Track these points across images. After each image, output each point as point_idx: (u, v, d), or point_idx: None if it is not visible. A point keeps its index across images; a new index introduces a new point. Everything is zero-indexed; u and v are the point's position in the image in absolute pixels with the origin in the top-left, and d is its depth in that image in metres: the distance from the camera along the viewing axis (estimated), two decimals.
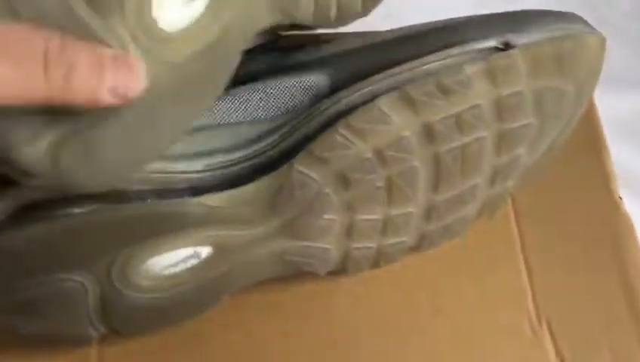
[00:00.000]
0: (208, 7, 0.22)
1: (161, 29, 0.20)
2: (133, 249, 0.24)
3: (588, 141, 0.32)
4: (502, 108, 0.25)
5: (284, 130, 0.25)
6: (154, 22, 0.20)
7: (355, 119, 0.24)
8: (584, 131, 0.31)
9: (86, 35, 0.18)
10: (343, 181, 0.25)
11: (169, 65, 0.21)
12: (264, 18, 0.25)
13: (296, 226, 0.26)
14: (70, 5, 0.18)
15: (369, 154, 0.24)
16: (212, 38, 0.22)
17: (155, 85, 0.20)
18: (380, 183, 0.25)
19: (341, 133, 0.24)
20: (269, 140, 0.26)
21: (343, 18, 0.27)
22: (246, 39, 0.25)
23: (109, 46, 0.19)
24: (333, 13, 0.27)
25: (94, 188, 0.22)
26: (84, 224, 0.23)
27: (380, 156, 0.24)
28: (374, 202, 0.26)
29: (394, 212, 0.26)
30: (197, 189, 0.25)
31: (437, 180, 0.26)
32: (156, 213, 0.24)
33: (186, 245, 0.25)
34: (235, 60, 0.24)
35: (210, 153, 0.25)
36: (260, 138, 0.25)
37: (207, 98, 0.24)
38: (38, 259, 0.24)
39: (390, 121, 0.24)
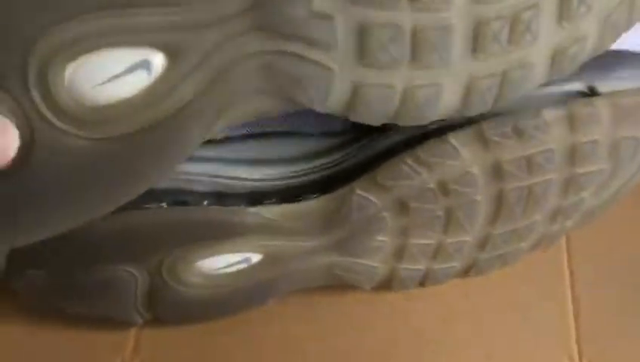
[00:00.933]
0: (160, 79, 0.19)
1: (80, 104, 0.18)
2: (187, 249, 0.24)
3: None
4: (575, 154, 0.24)
5: (350, 149, 0.25)
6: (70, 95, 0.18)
7: (424, 152, 0.23)
8: None
9: None
10: (402, 207, 0.24)
11: (94, 141, 0.19)
12: (251, 101, 0.20)
13: (349, 244, 0.26)
14: None
15: (432, 185, 0.24)
16: (162, 114, 0.19)
17: (76, 160, 0.19)
18: (440, 213, 0.25)
19: (408, 163, 0.23)
20: (334, 157, 0.25)
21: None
22: (218, 122, 0.20)
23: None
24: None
25: None
26: (148, 221, 0.24)
27: (444, 188, 0.24)
28: (430, 229, 0.25)
29: (449, 240, 0.26)
30: (255, 197, 0.25)
31: (497, 215, 0.25)
32: (214, 219, 0.24)
33: (238, 251, 0.25)
34: (192, 143, 0.20)
35: (272, 162, 0.25)
36: (324, 153, 0.25)
37: (141, 180, 0.21)
38: (101, 248, 0.24)
39: (460, 157, 0.23)
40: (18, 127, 0.18)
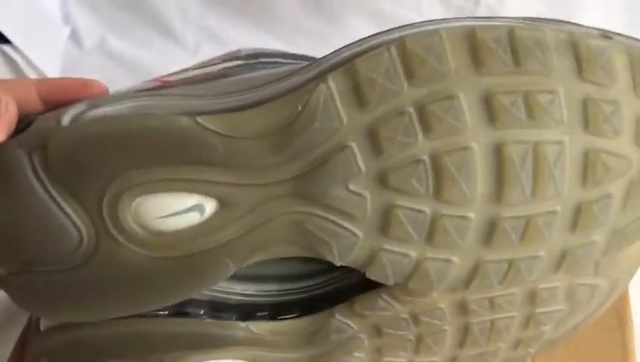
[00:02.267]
0: (210, 220, 0.23)
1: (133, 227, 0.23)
2: (182, 354, 0.27)
3: (613, 316, 0.33)
4: (535, 298, 0.26)
5: (334, 274, 0.28)
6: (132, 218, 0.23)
7: (400, 290, 0.26)
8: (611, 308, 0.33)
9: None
10: (377, 331, 0.27)
11: (148, 258, 0.23)
12: (280, 247, 0.24)
13: (328, 358, 0.28)
14: None
15: (405, 316, 0.27)
16: (207, 246, 0.23)
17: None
18: (411, 337, 0.28)
19: (384, 297, 0.26)
20: (318, 280, 0.28)
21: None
22: (250, 259, 0.24)
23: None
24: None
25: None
26: (150, 329, 0.26)
27: (415, 319, 0.27)
28: (402, 350, 0.28)
29: (419, 359, 0.29)
30: (246, 310, 0.28)
31: (463, 341, 0.28)
32: (209, 332, 0.27)
33: (227, 357, 0.28)
34: (226, 272, 0.24)
35: (263, 279, 0.28)
36: (310, 276, 0.28)
37: (179, 293, 0.25)
38: (106, 346, 0.27)
39: (430, 296, 0.26)
40: (87, 235, 0.23)
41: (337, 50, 0.23)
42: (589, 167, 0.21)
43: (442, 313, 0.27)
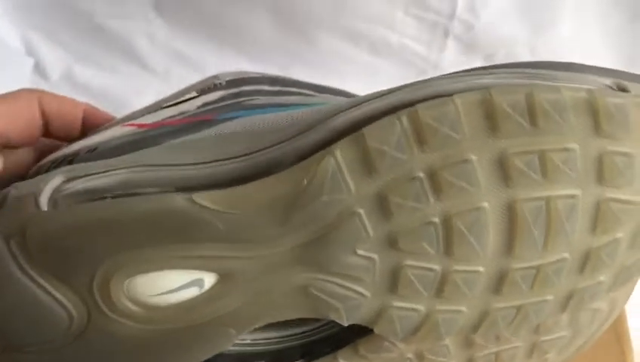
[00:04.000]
0: (209, 292, 0.22)
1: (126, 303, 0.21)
2: None
3: (610, 333, 0.33)
4: (540, 327, 0.26)
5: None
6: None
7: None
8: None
9: None
10: None
11: (141, 330, 0.22)
12: (285, 313, 0.23)
13: None
14: None
15: (410, 355, 0.26)
16: (206, 318, 0.22)
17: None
18: None
19: (389, 340, 0.25)
20: (319, 324, 0.27)
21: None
22: (254, 325, 0.23)
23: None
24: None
25: None
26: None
27: (420, 356, 0.26)
28: None
29: None
30: (245, 359, 0.27)
31: None
32: None
33: None
34: (228, 341, 0.23)
35: (262, 327, 0.27)
36: (311, 320, 0.27)
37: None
38: None
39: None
40: (77, 314, 0.21)
41: (339, 106, 0.22)
42: (599, 217, 0.21)
43: (447, 349, 0.26)
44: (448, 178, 0.19)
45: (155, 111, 0.27)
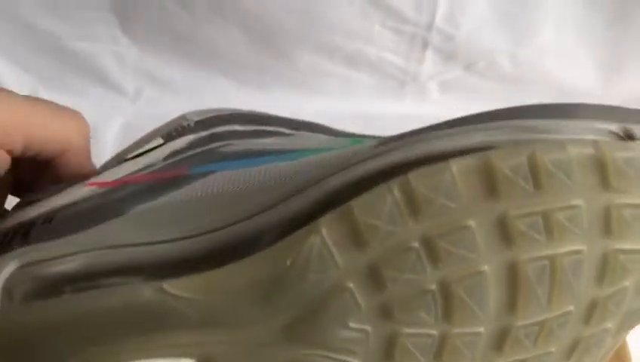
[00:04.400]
0: None
1: None
2: None
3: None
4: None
5: None
6: None
7: None
8: None
9: None
10: None
11: None
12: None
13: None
14: None
15: None
16: None
17: None
18: None
19: None
20: None
21: None
22: None
23: None
24: None
25: None
26: None
27: None
28: None
29: None
30: None
31: None
32: None
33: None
34: None
35: None
36: None
37: None
38: None
39: None
40: None
41: (328, 164, 0.20)
42: (607, 269, 0.19)
43: None
44: (446, 246, 0.18)
45: (119, 164, 0.24)
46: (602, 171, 0.18)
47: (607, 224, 0.19)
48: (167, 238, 0.19)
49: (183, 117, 0.26)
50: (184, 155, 0.24)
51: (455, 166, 0.18)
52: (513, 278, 0.19)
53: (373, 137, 0.25)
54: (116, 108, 0.55)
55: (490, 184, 0.18)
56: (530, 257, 0.19)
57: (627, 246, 0.19)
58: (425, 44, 0.49)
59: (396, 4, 0.46)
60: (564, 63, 0.50)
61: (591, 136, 0.19)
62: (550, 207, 0.18)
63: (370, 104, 0.56)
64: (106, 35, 0.51)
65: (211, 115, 0.26)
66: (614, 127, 0.19)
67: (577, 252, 0.19)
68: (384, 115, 0.56)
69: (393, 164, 0.18)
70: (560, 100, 0.59)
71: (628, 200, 0.19)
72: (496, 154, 0.18)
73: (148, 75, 0.54)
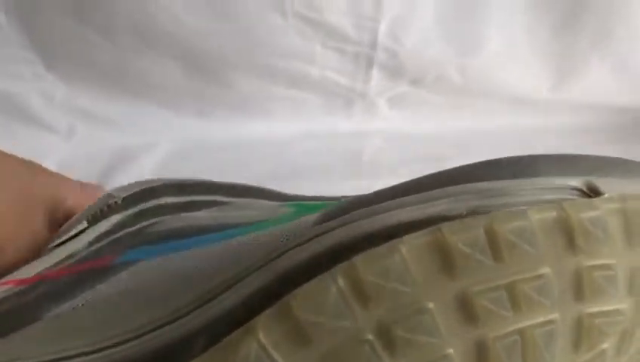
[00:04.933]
0: None
1: None
2: None
3: None
4: None
5: None
6: None
7: None
8: None
9: None
10: None
11: None
12: None
13: None
14: None
15: None
16: None
17: None
18: None
19: None
20: None
21: None
22: None
23: None
24: None
25: None
26: None
27: None
28: None
29: None
30: None
31: None
32: None
33: None
34: None
35: None
36: None
37: None
38: None
39: None
40: None
41: (250, 261, 0.17)
42: (583, 335, 0.18)
43: None
44: (402, 334, 0.16)
45: (35, 262, 0.22)
46: (568, 235, 0.16)
47: (579, 289, 0.17)
48: (84, 350, 0.17)
49: (109, 194, 0.24)
50: (109, 239, 0.21)
51: (405, 247, 0.15)
52: (482, 356, 0.17)
53: (320, 201, 0.23)
54: (49, 149, 0.51)
55: (446, 261, 0.16)
56: (499, 334, 0.16)
57: (602, 308, 0.18)
58: (370, 62, 0.47)
59: (336, 24, 0.44)
60: (514, 72, 0.48)
61: (552, 196, 0.17)
62: (514, 279, 0.16)
63: (319, 123, 0.54)
64: (29, 73, 0.48)
65: (140, 188, 0.24)
66: (577, 182, 0.18)
67: (549, 322, 0.17)
68: (333, 132, 0.55)
69: (337, 247, 0.16)
70: (512, 109, 0.58)
71: (598, 262, 0.17)
72: (449, 228, 0.16)
73: (80, 111, 0.51)
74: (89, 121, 0.51)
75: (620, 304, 0.18)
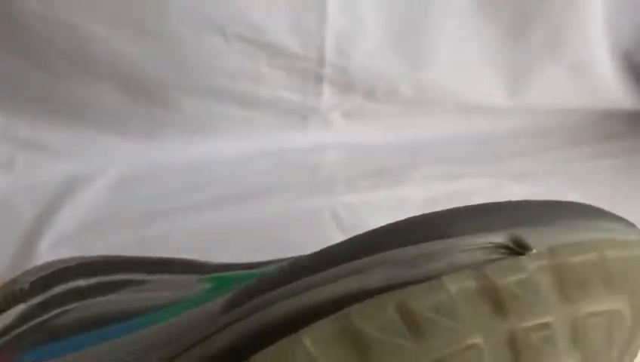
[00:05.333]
0: None
1: None
2: None
3: None
4: None
5: None
6: None
7: None
8: None
9: None
10: None
11: None
12: None
13: None
14: None
15: None
16: None
17: None
18: None
19: None
20: None
21: None
22: None
23: None
24: None
25: None
26: None
27: None
28: None
29: None
30: None
31: None
32: None
33: None
34: None
35: None
36: None
37: None
38: None
39: None
40: None
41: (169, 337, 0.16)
42: None
43: None
44: None
45: None
46: (495, 301, 0.15)
47: (517, 354, 0.16)
48: None
49: (14, 281, 0.22)
50: (10, 336, 0.19)
51: (308, 339, 0.14)
52: None
53: (241, 270, 0.21)
54: None
55: (359, 350, 0.14)
56: None
57: None
58: (319, 79, 0.45)
59: (280, 43, 0.42)
60: (467, 80, 0.47)
61: (474, 259, 0.16)
62: (441, 354, 0.15)
63: (273, 140, 0.53)
64: None
65: (49, 270, 0.22)
66: (501, 237, 0.16)
67: None
68: (288, 149, 0.53)
69: (233, 343, 0.15)
70: (468, 117, 0.56)
71: (533, 323, 0.16)
72: (358, 312, 0.14)
73: (18, 141, 0.48)
74: (29, 150, 0.49)
75: (563, 356, 0.16)
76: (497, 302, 0.15)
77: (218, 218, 0.48)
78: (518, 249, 0.16)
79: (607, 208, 0.48)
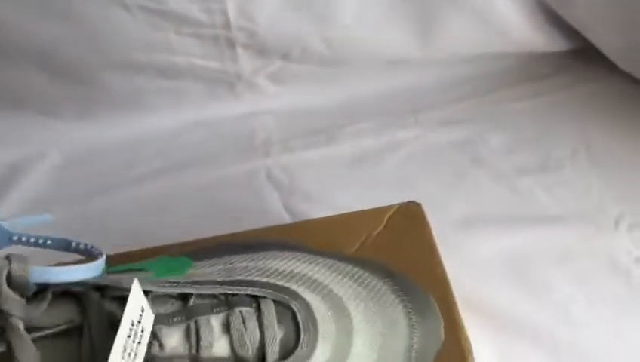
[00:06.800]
0: None
1: None
2: None
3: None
4: None
5: None
6: None
7: None
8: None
9: None
10: None
11: None
12: None
13: None
14: None
15: None
16: None
17: None
18: None
19: None
20: None
21: None
22: None
23: None
24: None
25: None
26: None
27: None
28: None
29: None
30: None
31: None
32: None
33: None
34: None
35: None
36: None
37: None
38: None
39: None
40: None
41: None
42: None
43: None
44: None
45: None
46: None
47: None
48: None
49: None
50: None
51: None
52: None
53: None
54: None
55: None
56: None
57: None
58: (231, 43, 0.47)
59: (182, 11, 0.44)
60: (377, 35, 0.48)
61: None
62: None
63: (205, 111, 0.54)
64: None
65: None
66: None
67: None
68: (221, 118, 0.54)
69: None
70: (387, 71, 0.56)
71: None
72: None
73: None
74: None
75: None
76: None
77: (157, 189, 0.49)
78: None
79: (532, 148, 0.49)
